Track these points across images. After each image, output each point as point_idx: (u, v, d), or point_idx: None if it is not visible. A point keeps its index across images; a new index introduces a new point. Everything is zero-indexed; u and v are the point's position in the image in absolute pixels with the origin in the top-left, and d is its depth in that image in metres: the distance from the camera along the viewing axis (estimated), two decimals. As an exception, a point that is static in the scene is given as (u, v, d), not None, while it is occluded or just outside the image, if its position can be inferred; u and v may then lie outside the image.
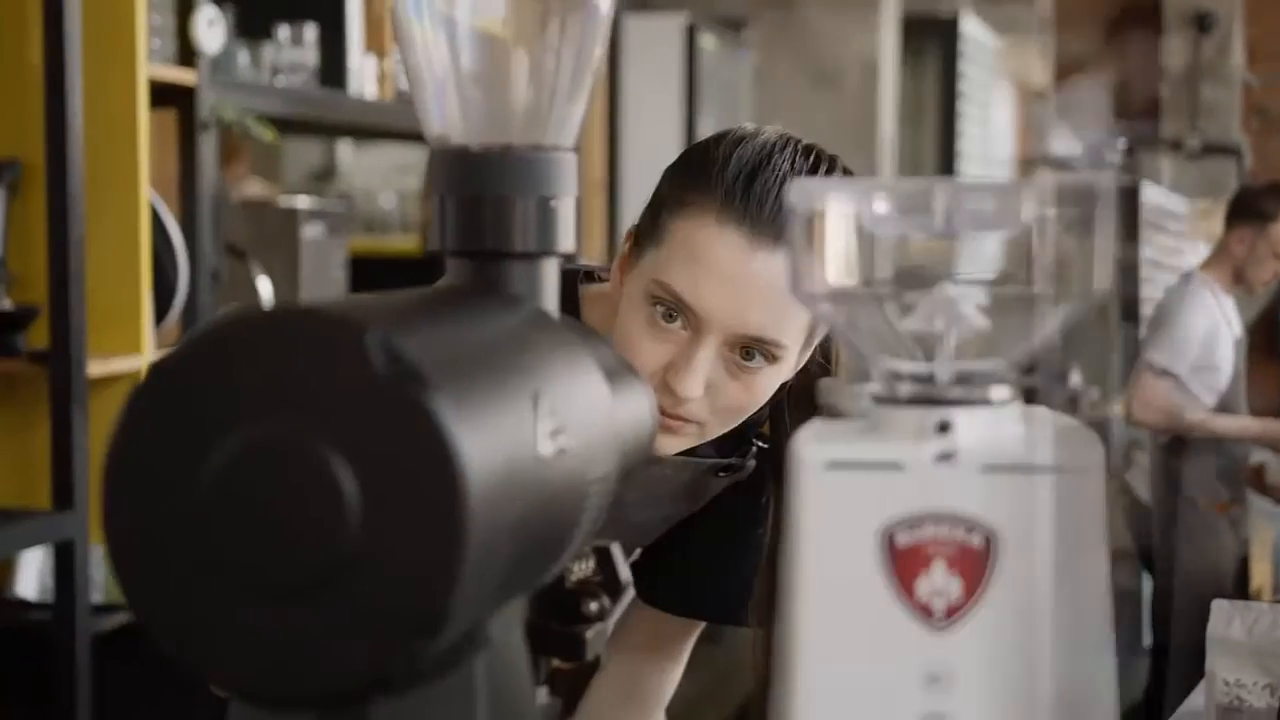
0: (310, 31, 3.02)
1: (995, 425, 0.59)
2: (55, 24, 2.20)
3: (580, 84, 0.68)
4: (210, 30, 2.56)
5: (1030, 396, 0.62)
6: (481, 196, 0.65)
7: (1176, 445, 3.95)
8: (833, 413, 0.63)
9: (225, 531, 0.52)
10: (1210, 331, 3.94)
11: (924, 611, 0.58)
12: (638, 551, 1.36)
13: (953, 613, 0.58)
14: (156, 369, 0.54)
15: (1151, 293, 5.21)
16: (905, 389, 0.60)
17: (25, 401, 2.35)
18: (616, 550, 0.76)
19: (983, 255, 0.67)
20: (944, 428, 0.58)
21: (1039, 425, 0.61)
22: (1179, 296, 4.03)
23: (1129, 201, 5.33)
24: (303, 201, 3.26)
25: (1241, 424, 4.05)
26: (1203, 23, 6.81)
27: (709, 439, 1.19)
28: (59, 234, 2.23)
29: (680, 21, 4.88)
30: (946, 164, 6.75)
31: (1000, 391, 0.60)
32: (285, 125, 3.30)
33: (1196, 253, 5.08)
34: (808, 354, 1.20)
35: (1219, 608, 1.61)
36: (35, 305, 2.27)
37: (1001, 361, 0.61)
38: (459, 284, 0.67)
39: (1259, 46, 6.90)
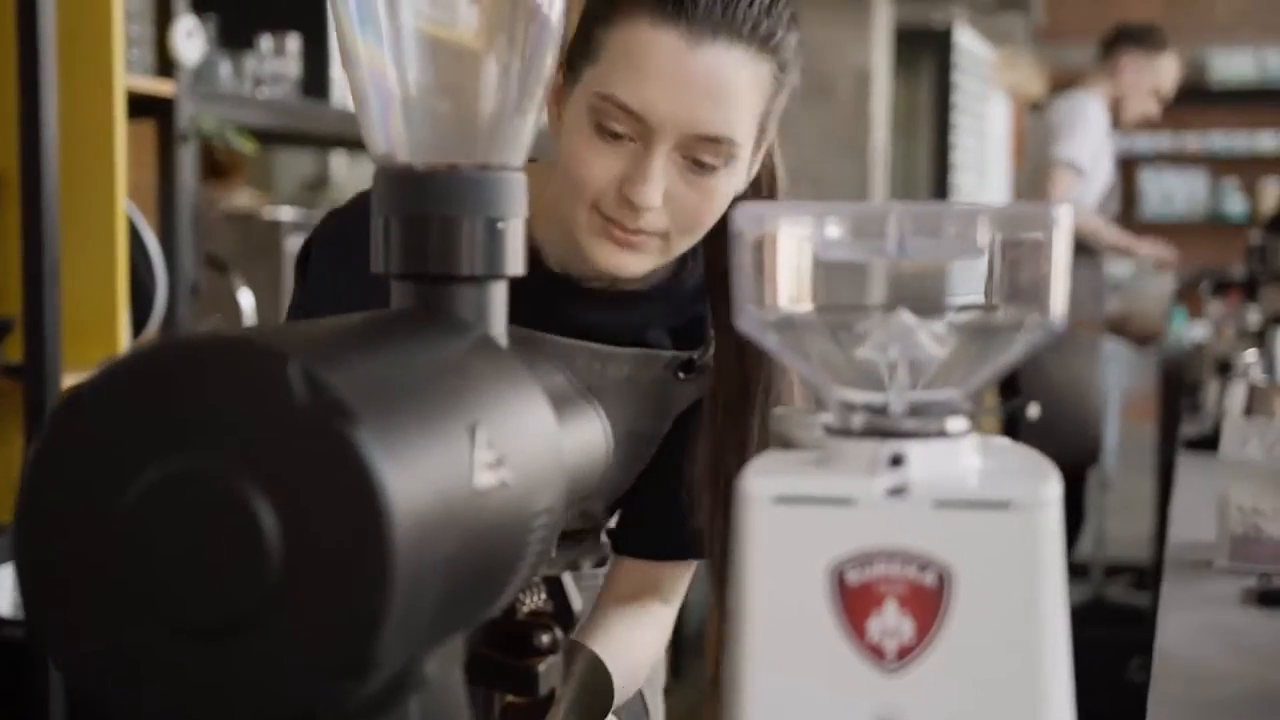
0: (293, 42, 3.00)
1: (950, 458, 0.57)
2: (30, 34, 2.17)
3: (529, 101, 0.66)
4: (189, 41, 2.53)
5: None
6: (427, 217, 0.63)
7: None
8: (785, 443, 0.61)
9: (141, 567, 0.50)
10: (1100, 141, 4.15)
11: (875, 653, 0.56)
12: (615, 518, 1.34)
13: (905, 654, 0.56)
14: (73, 396, 0.52)
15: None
16: (858, 420, 0.58)
17: (-1, 416, 2.32)
18: (568, 580, 0.74)
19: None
20: (896, 461, 0.56)
21: (995, 457, 0.59)
22: (1079, 103, 4.21)
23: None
24: (286, 213, 3.24)
25: (1124, 237, 4.27)
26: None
27: (673, 256, 1.17)
28: (34, 246, 2.21)
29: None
30: (940, 175, 6.73)
31: (956, 423, 0.58)
32: (268, 136, 3.27)
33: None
34: (760, 158, 1.19)
35: (1233, 425, 1.43)
36: (9, 318, 2.25)
37: (958, 391, 0.58)
38: (403, 308, 0.65)
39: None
